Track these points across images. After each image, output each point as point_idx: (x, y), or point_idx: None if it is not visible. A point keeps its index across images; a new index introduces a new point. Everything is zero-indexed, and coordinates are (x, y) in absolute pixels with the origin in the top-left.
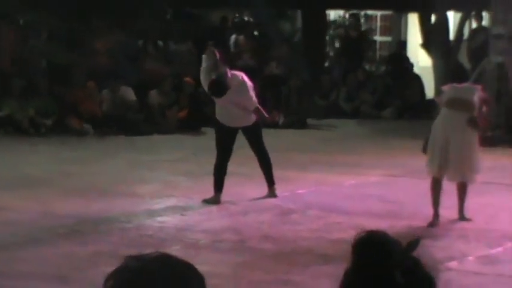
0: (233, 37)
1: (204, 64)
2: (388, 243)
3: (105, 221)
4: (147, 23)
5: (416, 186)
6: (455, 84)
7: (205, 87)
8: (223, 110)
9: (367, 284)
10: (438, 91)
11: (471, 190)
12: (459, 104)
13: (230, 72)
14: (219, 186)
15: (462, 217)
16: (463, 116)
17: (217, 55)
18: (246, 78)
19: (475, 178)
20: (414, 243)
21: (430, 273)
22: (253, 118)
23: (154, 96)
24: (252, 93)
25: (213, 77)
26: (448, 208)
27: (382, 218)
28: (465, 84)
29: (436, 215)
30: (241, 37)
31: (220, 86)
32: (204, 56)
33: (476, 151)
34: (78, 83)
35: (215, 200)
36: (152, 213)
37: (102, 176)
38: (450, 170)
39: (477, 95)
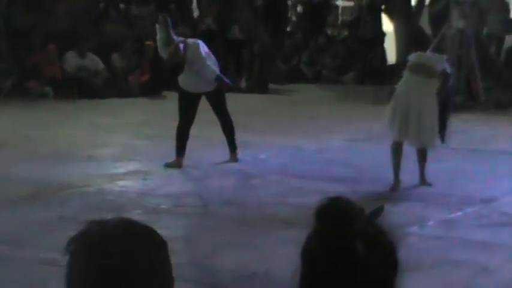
0: (195, 0)
1: (158, 35)
2: (351, 211)
3: (65, 185)
4: None
5: (377, 151)
6: (422, 53)
7: (164, 57)
8: (185, 77)
9: (328, 251)
10: (400, 56)
11: (430, 155)
12: (422, 69)
13: (184, 43)
14: (180, 150)
15: (423, 182)
16: (426, 82)
17: (169, 24)
18: (201, 48)
19: (435, 144)
20: (377, 211)
21: (391, 240)
22: (215, 83)
23: (116, 59)
24: (210, 62)
25: (166, 58)
26: (409, 173)
27: (344, 182)
28: (433, 54)
29: (397, 179)
30: (204, 0)
31: (174, 70)
32: (157, 26)
33: (436, 117)
34: (38, 46)
35: (177, 164)
36: (113, 178)
37: (63, 139)
38: (410, 135)
39: (442, 65)
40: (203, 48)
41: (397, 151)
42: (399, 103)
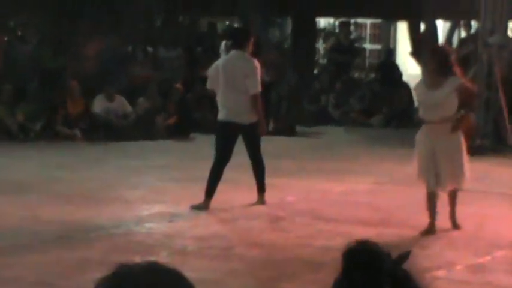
0: (223, 43)
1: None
2: (379, 254)
3: (93, 227)
4: (136, 29)
5: (404, 193)
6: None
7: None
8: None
9: None
10: None
11: (459, 198)
12: (436, 112)
13: None
14: (210, 191)
15: (454, 224)
16: (443, 125)
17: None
18: None
19: (465, 184)
20: (405, 255)
21: (419, 284)
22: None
23: (142, 102)
24: None
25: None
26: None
27: (371, 225)
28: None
29: (433, 223)
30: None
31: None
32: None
33: (463, 157)
34: (67, 88)
35: (204, 206)
36: (140, 220)
37: (91, 181)
38: (442, 182)
39: (453, 86)
40: None
41: (432, 198)
42: (423, 152)
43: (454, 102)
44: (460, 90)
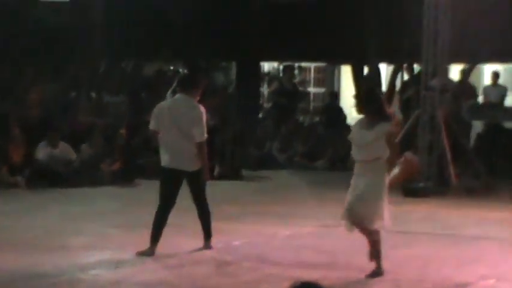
0: (170, 90)
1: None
2: None
3: (36, 275)
4: (79, 74)
5: (349, 236)
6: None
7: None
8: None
9: None
10: None
11: (402, 240)
12: (362, 151)
13: None
14: (155, 237)
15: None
16: (367, 165)
17: None
18: None
19: (378, 225)
20: None
21: None
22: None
23: (85, 149)
24: None
25: None
26: (383, 258)
27: (316, 268)
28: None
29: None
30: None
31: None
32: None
33: (383, 198)
34: (9, 134)
35: (150, 252)
36: (85, 267)
37: (34, 229)
38: (356, 220)
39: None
40: None
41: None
42: (349, 190)
43: (381, 144)
44: (387, 139)
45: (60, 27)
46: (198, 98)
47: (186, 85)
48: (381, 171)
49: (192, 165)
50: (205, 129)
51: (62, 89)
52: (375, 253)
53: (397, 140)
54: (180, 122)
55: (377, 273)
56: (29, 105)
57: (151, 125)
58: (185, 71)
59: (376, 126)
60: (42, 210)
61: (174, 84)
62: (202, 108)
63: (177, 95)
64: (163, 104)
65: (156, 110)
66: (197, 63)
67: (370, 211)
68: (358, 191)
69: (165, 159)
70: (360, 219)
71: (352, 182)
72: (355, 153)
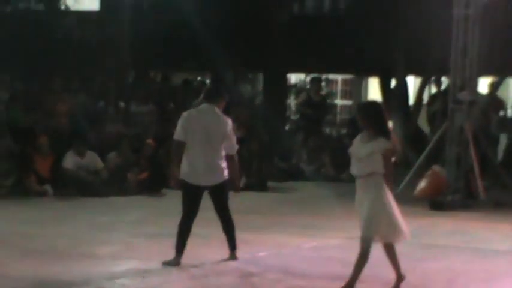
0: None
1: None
2: None
3: (64, 283)
4: (108, 84)
5: (375, 248)
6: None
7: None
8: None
9: None
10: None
11: (429, 254)
12: (360, 168)
13: None
14: (181, 247)
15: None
16: (364, 181)
17: None
18: None
19: (398, 238)
20: None
21: None
22: (224, 176)
23: (112, 158)
24: None
25: None
26: (408, 272)
27: (342, 280)
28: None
29: (398, 274)
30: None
31: None
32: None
33: (392, 211)
34: (36, 143)
35: (175, 262)
36: (112, 276)
37: (61, 237)
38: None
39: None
40: None
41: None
42: (356, 207)
43: (375, 160)
44: (383, 155)
45: (88, 37)
46: (222, 108)
47: (212, 95)
48: (380, 187)
49: (214, 179)
50: (235, 141)
51: (90, 99)
52: (394, 263)
53: (394, 159)
54: (210, 133)
55: (399, 279)
56: (57, 115)
57: (179, 136)
58: (209, 81)
59: (373, 141)
60: (70, 219)
61: (201, 96)
62: (229, 119)
63: (203, 105)
64: (190, 114)
65: (183, 120)
66: (221, 73)
67: (387, 225)
68: (367, 210)
69: (185, 173)
70: (381, 235)
71: (356, 197)
72: (352, 167)
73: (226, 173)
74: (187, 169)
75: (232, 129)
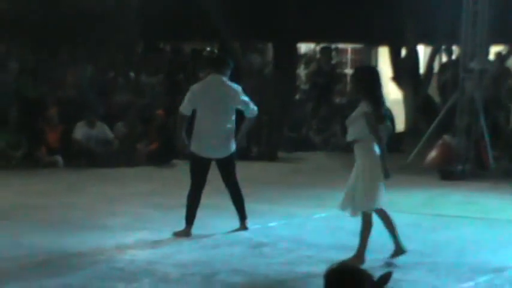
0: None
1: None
2: (360, 275)
3: (75, 254)
4: (117, 55)
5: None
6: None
7: None
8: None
9: None
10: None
11: (439, 224)
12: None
13: None
14: (190, 218)
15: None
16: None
17: None
18: None
19: (356, 210)
20: (386, 276)
21: None
22: (232, 149)
23: (120, 128)
24: None
25: None
26: (419, 242)
27: (352, 250)
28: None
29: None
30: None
31: None
32: None
33: (363, 182)
34: (46, 115)
35: (186, 233)
36: (123, 246)
37: (72, 208)
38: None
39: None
40: None
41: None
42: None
43: (359, 125)
44: (366, 120)
45: (96, 8)
46: (227, 77)
47: (218, 65)
48: (363, 155)
49: (223, 152)
50: (252, 104)
51: (99, 70)
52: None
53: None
54: (219, 105)
55: (396, 252)
56: (66, 86)
57: (184, 109)
58: (216, 51)
59: (358, 107)
60: (81, 190)
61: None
62: (238, 86)
63: (210, 77)
64: (198, 88)
65: (191, 93)
66: (230, 43)
67: (356, 196)
68: (351, 179)
69: (196, 146)
70: (345, 206)
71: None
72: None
73: (234, 145)
74: (197, 142)
75: (244, 94)
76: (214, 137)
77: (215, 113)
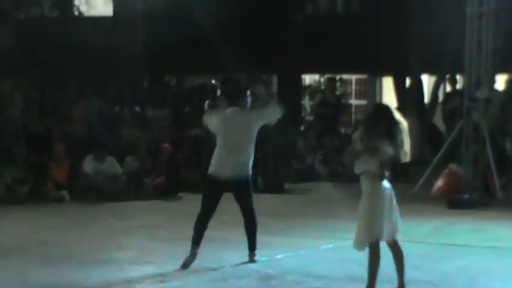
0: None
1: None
2: None
3: None
4: (123, 89)
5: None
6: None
7: None
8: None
9: None
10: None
11: (447, 253)
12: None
13: None
14: (197, 239)
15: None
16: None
17: None
18: None
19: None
20: None
21: None
22: (248, 173)
23: (130, 162)
24: None
25: None
26: (427, 272)
27: (361, 281)
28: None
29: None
30: (217, 102)
31: None
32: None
33: (360, 215)
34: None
35: (192, 254)
36: (130, 281)
37: (79, 243)
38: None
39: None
40: None
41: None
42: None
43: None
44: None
45: (102, 43)
46: (247, 107)
47: (237, 98)
48: (366, 187)
49: (239, 174)
50: (267, 113)
51: (105, 105)
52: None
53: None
54: (238, 136)
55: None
56: (73, 121)
57: (212, 126)
58: (221, 84)
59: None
60: (87, 225)
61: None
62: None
63: (232, 109)
64: (221, 115)
65: (214, 117)
66: (235, 75)
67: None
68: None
69: (212, 167)
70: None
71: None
72: None
73: (250, 172)
74: (215, 163)
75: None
76: (233, 162)
77: (235, 143)
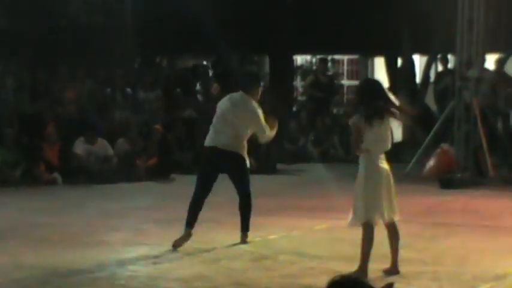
0: (198, 84)
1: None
2: (361, 287)
3: (76, 271)
4: (114, 71)
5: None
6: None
7: None
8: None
9: None
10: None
11: (440, 232)
12: None
13: None
14: (191, 220)
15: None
16: None
17: None
18: None
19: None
20: (388, 287)
21: None
22: (243, 151)
23: (121, 144)
24: None
25: None
26: (420, 251)
27: (354, 261)
28: None
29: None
30: (215, 85)
31: None
32: None
33: (357, 192)
34: (44, 132)
35: (186, 234)
36: (124, 262)
37: (72, 225)
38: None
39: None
40: None
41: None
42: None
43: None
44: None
45: (93, 25)
46: (257, 98)
47: (248, 85)
48: (361, 165)
49: (233, 145)
50: (266, 128)
51: (97, 87)
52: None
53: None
54: (238, 121)
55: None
56: (65, 103)
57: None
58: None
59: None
60: (80, 207)
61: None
62: (260, 111)
63: (238, 94)
64: (225, 98)
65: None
66: (227, 56)
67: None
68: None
69: (207, 139)
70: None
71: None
72: None
73: (245, 152)
74: (209, 135)
75: (261, 119)
76: (226, 132)
77: (234, 125)
